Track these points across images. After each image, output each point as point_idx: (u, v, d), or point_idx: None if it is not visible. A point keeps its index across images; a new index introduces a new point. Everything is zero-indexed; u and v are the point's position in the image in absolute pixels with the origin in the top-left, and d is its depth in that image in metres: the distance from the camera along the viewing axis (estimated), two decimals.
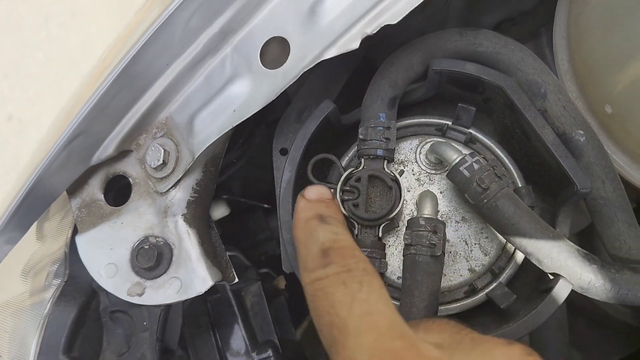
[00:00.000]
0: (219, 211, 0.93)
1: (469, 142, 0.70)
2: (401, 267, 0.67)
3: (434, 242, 0.60)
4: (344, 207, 0.63)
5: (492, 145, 0.70)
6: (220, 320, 0.82)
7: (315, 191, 0.61)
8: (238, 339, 0.81)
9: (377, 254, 0.62)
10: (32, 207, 0.70)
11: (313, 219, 0.56)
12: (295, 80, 0.61)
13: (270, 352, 0.80)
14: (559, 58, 0.71)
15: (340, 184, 0.64)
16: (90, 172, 0.72)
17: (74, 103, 0.74)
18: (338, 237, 0.53)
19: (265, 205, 1.03)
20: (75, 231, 0.78)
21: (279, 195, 0.67)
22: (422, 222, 0.61)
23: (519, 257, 0.66)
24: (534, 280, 0.67)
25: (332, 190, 0.63)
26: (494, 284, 0.66)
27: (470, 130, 0.70)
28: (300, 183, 0.69)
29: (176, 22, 0.61)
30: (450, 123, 0.70)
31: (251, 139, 0.89)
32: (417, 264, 0.60)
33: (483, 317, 0.69)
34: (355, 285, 0.47)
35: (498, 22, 1.01)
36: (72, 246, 0.78)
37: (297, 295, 1.10)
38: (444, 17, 0.97)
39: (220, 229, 0.94)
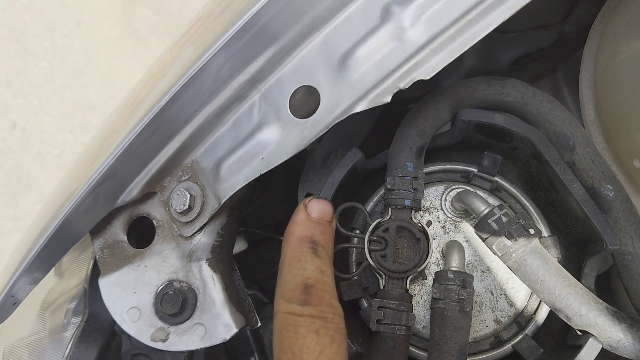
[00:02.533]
0: (237, 246, 0.92)
1: (495, 190, 0.70)
2: (426, 317, 0.67)
3: (462, 297, 0.60)
4: (371, 258, 0.63)
5: (517, 194, 0.70)
6: (238, 359, 0.82)
7: (318, 208, 0.61)
8: None
9: (404, 306, 0.62)
10: (55, 249, 0.70)
11: (306, 242, 0.57)
12: (325, 131, 0.61)
13: None
14: (585, 108, 0.71)
15: (368, 234, 0.64)
16: (113, 213, 0.72)
17: (99, 147, 0.74)
18: (323, 277, 0.55)
19: (281, 238, 1.03)
20: (94, 267, 0.78)
21: None
22: (451, 276, 0.61)
23: (545, 308, 0.66)
24: (560, 331, 0.67)
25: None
26: (520, 336, 0.66)
27: (496, 179, 0.70)
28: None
29: (208, 71, 0.61)
30: (475, 170, 0.70)
31: (272, 176, 0.89)
32: (446, 318, 0.60)
33: None
34: (327, 339, 0.49)
35: (516, 58, 1.02)
36: (92, 282, 0.78)
37: None
38: (462, 55, 0.97)
39: (237, 262, 0.94)
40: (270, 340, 0.84)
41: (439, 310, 0.60)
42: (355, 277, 0.68)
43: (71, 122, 3.12)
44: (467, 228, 0.69)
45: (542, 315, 0.66)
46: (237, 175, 0.65)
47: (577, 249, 0.69)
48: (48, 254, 0.70)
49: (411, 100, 0.79)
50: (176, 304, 0.66)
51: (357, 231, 0.70)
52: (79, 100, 3.17)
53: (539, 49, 1.00)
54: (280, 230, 1.09)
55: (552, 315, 0.66)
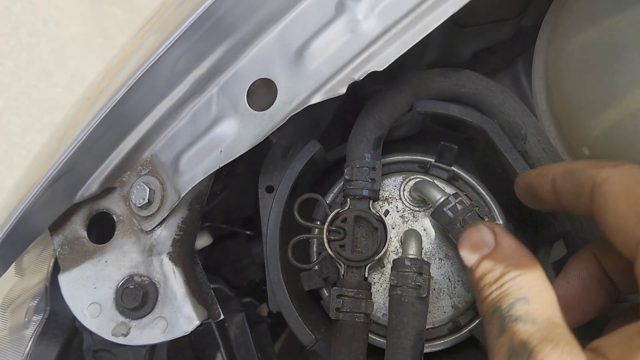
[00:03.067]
0: (202, 241, 0.92)
1: (452, 179, 0.72)
2: (386, 305, 0.69)
3: (419, 284, 0.61)
4: (330, 248, 0.64)
5: (474, 183, 0.71)
6: (204, 353, 0.82)
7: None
8: None
9: (363, 294, 0.63)
10: (13, 246, 0.69)
11: None
12: (282, 123, 0.62)
13: None
14: (537, 98, 0.73)
15: (327, 224, 0.65)
16: (73, 209, 0.71)
17: (57, 141, 0.73)
18: None
19: (248, 232, 1.04)
20: (56, 264, 0.77)
21: (266, 234, 0.68)
22: (408, 263, 0.62)
23: None
24: None
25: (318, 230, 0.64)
26: (477, 321, 0.67)
27: (452, 168, 0.71)
28: (286, 220, 0.70)
29: (164, 64, 0.61)
30: (433, 160, 0.72)
31: (235, 169, 0.89)
32: (403, 304, 0.61)
33: (465, 353, 0.70)
34: None
35: (476, 51, 1.04)
36: (53, 280, 0.78)
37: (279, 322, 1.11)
38: (423, 47, 0.99)
39: (202, 257, 0.95)
40: (236, 334, 0.85)
41: (396, 297, 0.61)
42: (316, 267, 0.69)
43: (39, 122, 3.07)
44: (425, 217, 0.70)
45: None
46: (196, 169, 0.66)
47: (532, 236, 0.71)
48: (6, 251, 0.69)
49: (374, 94, 0.80)
50: (137, 297, 0.66)
51: (318, 222, 0.70)
52: (47, 100, 3.11)
53: (498, 42, 1.02)
54: (247, 225, 1.09)
55: None
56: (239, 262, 1.03)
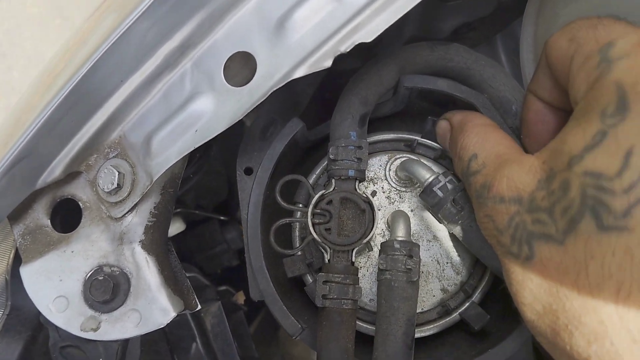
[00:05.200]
0: (175, 227, 0.88)
1: (439, 158, 0.69)
2: (373, 290, 0.66)
3: (409, 267, 0.58)
4: (315, 231, 0.61)
5: None
6: (179, 345, 0.78)
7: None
8: None
9: (350, 279, 0.60)
10: None
11: None
12: (262, 99, 0.58)
13: None
14: (526, 72, 0.71)
15: (311, 207, 0.61)
16: (34, 196, 0.66)
17: (15, 121, 0.67)
18: None
19: (221, 217, 0.99)
20: (16, 256, 0.72)
21: (246, 219, 0.64)
22: (397, 246, 0.59)
23: (491, 275, 0.66)
24: (506, 297, 0.66)
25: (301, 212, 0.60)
26: (467, 304, 0.65)
27: (439, 146, 0.68)
28: (268, 204, 0.66)
29: (132, 37, 0.56)
30: (419, 138, 0.69)
31: (208, 151, 0.85)
32: (393, 289, 0.58)
33: (455, 336, 0.68)
34: None
35: (456, 27, 1.01)
36: (14, 273, 0.72)
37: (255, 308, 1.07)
38: (401, 23, 0.95)
39: (175, 244, 0.90)
40: (212, 323, 0.81)
41: (385, 282, 0.58)
42: (299, 253, 0.66)
43: None
44: (412, 197, 0.67)
45: (488, 282, 0.66)
46: (169, 150, 0.61)
47: None
48: None
49: (354, 72, 0.77)
50: (107, 290, 0.61)
51: (300, 205, 0.67)
52: (3, 84, 2.97)
53: (478, 18, 0.99)
54: (220, 210, 1.05)
55: (498, 282, 0.66)
56: (213, 248, 0.99)
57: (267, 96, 0.58)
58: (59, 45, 0.83)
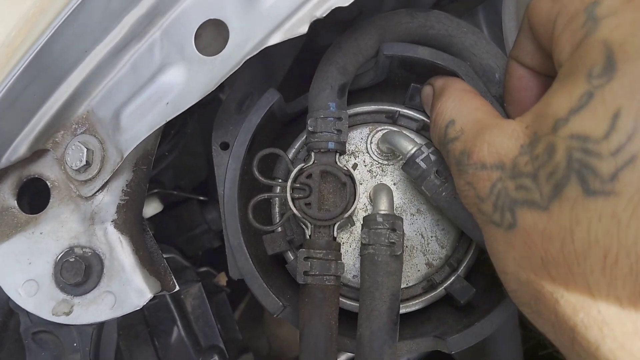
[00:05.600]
0: (151, 208, 0.85)
1: (421, 129, 0.67)
2: (356, 266, 0.64)
3: (393, 241, 0.56)
4: (295, 207, 0.58)
5: None
6: (159, 328, 0.76)
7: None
8: (180, 347, 0.75)
9: (332, 255, 0.58)
10: None
11: None
12: (236, 68, 0.55)
13: (216, 358, 0.75)
14: (509, 41, 0.69)
15: (290, 181, 0.59)
16: None
17: None
18: None
19: (201, 198, 0.96)
20: None
21: (223, 195, 0.61)
22: (380, 220, 0.57)
23: (476, 248, 0.64)
24: (492, 271, 0.65)
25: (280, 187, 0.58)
26: (453, 278, 0.63)
27: (422, 117, 0.66)
28: (245, 179, 0.64)
29: (95, 3, 0.53)
30: (401, 109, 0.66)
31: (184, 128, 0.82)
32: (377, 264, 0.56)
33: (440, 311, 0.67)
34: None
35: None
36: None
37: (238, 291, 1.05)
38: None
39: (153, 227, 0.87)
40: (193, 305, 0.78)
41: (368, 256, 0.57)
42: (279, 229, 0.63)
43: None
44: (395, 170, 0.65)
45: (473, 255, 0.64)
46: (139, 124, 0.58)
47: None
48: None
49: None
50: (79, 272, 0.59)
51: (279, 180, 0.64)
52: None
53: None
54: (200, 191, 1.02)
55: (483, 255, 0.65)
56: (193, 230, 0.96)
57: (241, 65, 0.55)
58: (18, 16, 0.78)
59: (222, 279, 0.96)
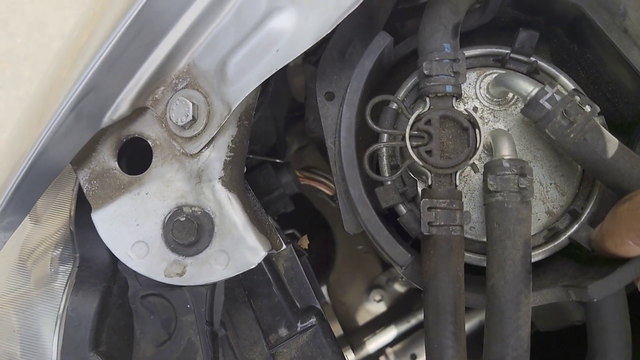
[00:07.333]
0: None
1: (533, 72, 0.63)
2: (473, 216, 0.61)
3: (523, 186, 0.53)
4: (414, 155, 0.55)
5: (558, 74, 0.63)
6: (255, 291, 0.74)
7: None
8: (277, 309, 0.73)
9: (456, 204, 0.55)
10: (33, 184, 0.58)
11: None
12: (352, 9, 0.52)
13: (314, 320, 0.73)
14: None
15: (408, 128, 0.56)
16: (98, 137, 0.61)
17: (75, 53, 0.61)
18: None
19: (278, 160, 0.94)
20: (79, 205, 0.67)
21: (334, 147, 0.58)
22: (507, 165, 0.54)
23: (599, 193, 0.61)
24: None
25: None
26: (576, 225, 0.60)
27: (534, 59, 0.62)
28: (360, 130, 0.61)
29: None
30: (509, 51, 0.62)
31: (267, 86, 0.79)
32: (507, 211, 0.53)
33: (558, 264, 0.63)
34: None
35: None
36: (78, 223, 0.68)
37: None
38: None
39: None
40: (286, 267, 0.76)
41: (497, 204, 0.53)
42: (389, 182, 0.60)
43: (1, 77, 2.84)
44: (508, 116, 0.62)
45: (596, 202, 0.61)
46: (249, 74, 0.55)
47: (625, 130, 0.64)
48: (25, 192, 0.59)
49: None
50: (191, 231, 0.57)
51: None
52: (6, 52, 2.88)
53: None
54: (274, 153, 1.00)
55: (608, 202, 0.61)
56: (269, 194, 0.94)
57: (357, 5, 0.51)
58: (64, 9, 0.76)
59: (304, 243, 0.94)
